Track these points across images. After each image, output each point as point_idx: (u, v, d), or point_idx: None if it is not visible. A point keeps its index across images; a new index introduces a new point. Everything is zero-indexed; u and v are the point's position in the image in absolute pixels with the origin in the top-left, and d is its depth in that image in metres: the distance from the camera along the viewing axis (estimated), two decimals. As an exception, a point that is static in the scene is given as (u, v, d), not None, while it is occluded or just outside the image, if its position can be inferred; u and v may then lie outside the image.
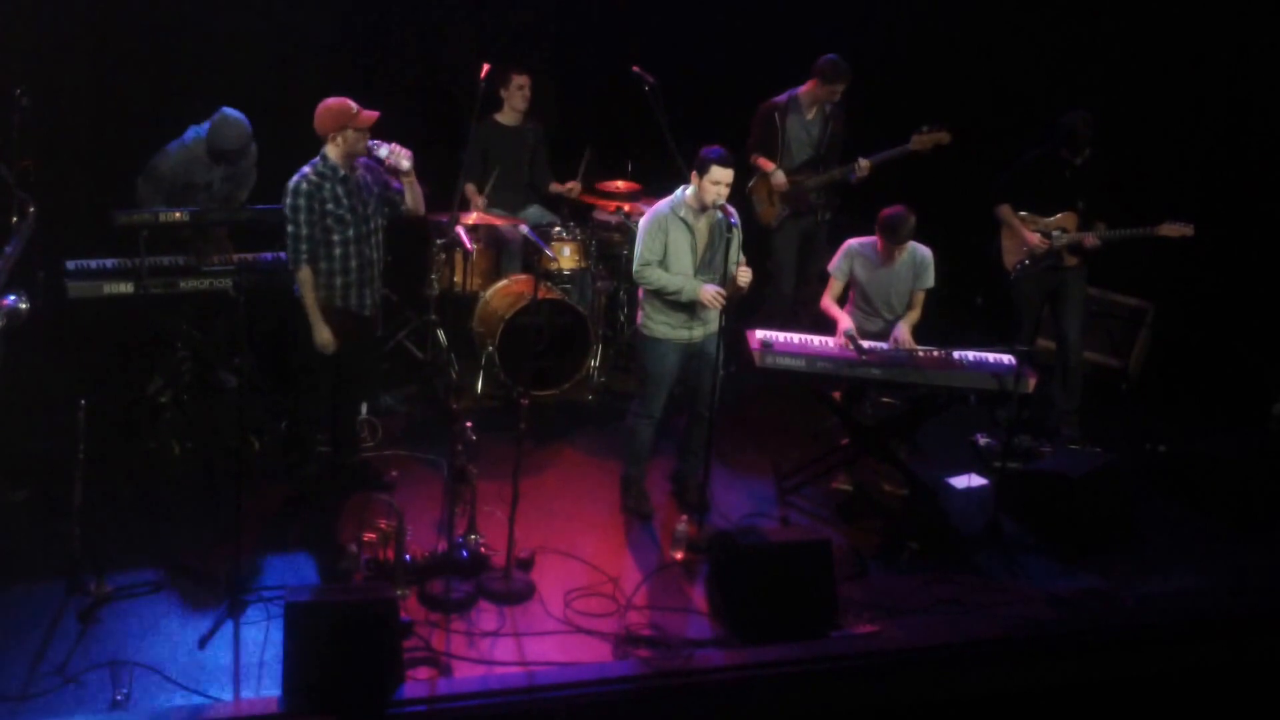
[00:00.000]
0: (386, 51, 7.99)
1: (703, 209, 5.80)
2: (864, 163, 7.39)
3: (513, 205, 7.73)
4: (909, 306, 6.50)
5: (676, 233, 5.81)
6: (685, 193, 5.84)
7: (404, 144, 5.74)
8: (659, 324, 5.92)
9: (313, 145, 5.69)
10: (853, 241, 6.58)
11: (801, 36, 8.34)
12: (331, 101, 5.61)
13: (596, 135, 8.03)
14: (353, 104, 5.59)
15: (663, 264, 5.83)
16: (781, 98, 7.58)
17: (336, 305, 5.74)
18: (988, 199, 7.21)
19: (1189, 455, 6.86)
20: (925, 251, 6.49)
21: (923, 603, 5.56)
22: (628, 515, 6.13)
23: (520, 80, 7.56)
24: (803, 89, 7.53)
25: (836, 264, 6.59)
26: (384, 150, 5.66)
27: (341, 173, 5.63)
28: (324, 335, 5.70)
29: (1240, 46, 7.86)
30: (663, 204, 5.88)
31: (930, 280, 6.48)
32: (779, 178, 7.55)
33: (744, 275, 5.82)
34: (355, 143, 5.60)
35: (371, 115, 5.61)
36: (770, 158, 7.58)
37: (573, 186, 7.79)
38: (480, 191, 7.52)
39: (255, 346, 6.28)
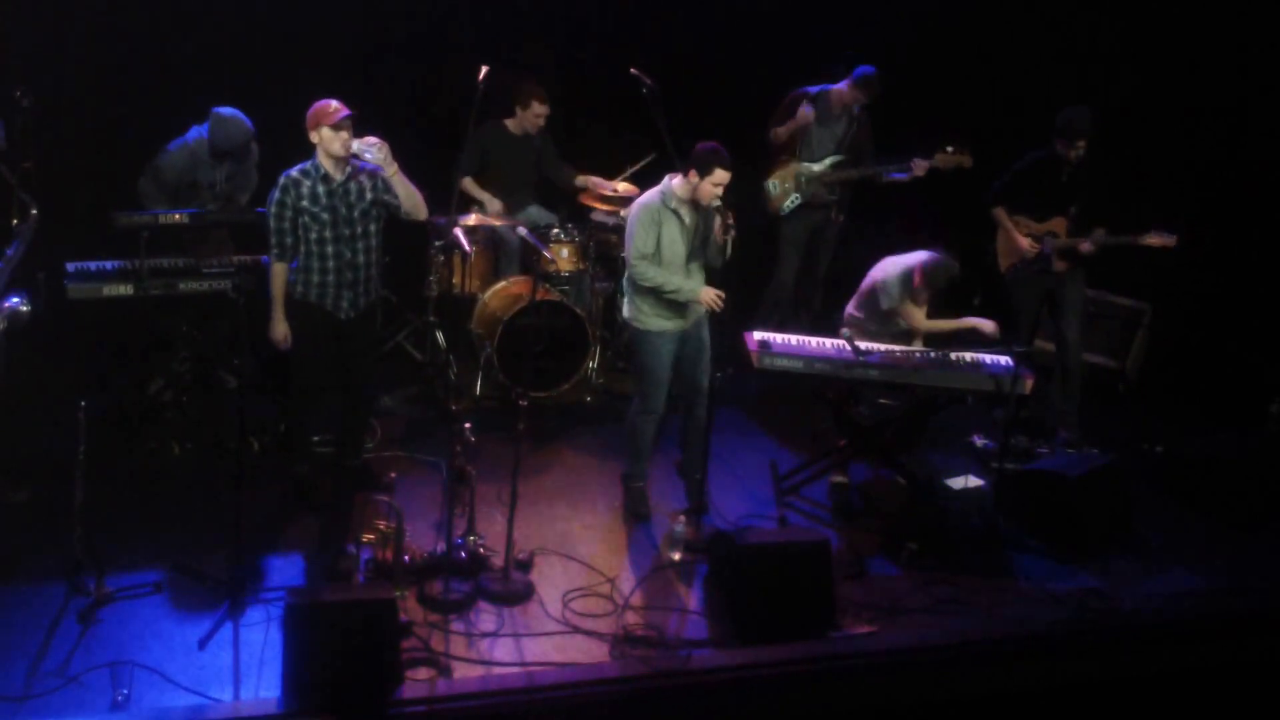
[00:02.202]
0: (387, 52, 8.00)
1: (689, 200, 5.82)
2: (921, 163, 7.39)
3: (511, 207, 7.74)
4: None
5: (669, 224, 5.84)
6: (673, 183, 5.85)
7: (402, 147, 5.74)
8: (651, 317, 5.94)
9: (312, 146, 5.69)
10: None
11: (801, 36, 8.36)
12: (317, 102, 5.62)
13: (596, 136, 8.04)
14: (333, 103, 5.58)
15: (656, 255, 5.84)
16: (813, 89, 7.61)
17: (311, 301, 5.75)
18: (985, 200, 7.22)
19: (1187, 455, 6.87)
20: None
21: (921, 603, 5.57)
22: (626, 515, 6.14)
23: (541, 109, 7.51)
24: (834, 88, 7.57)
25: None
26: (355, 145, 5.60)
27: (324, 172, 5.64)
28: (278, 330, 5.74)
29: (1237, 48, 7.86)
30: (652, 195, 5.89)
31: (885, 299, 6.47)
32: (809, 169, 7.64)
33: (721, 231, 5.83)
34: (330, 142, 5.57)
35: (341, 114, 5.55)
36: (793, 148, 7.62)
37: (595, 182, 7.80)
38: (477, 186, 7.53)
39: (255, 348, 6.29)
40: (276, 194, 5.65)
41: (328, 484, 6.05)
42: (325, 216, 5.66)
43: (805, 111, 7.54)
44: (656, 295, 5.87)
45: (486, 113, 7.35)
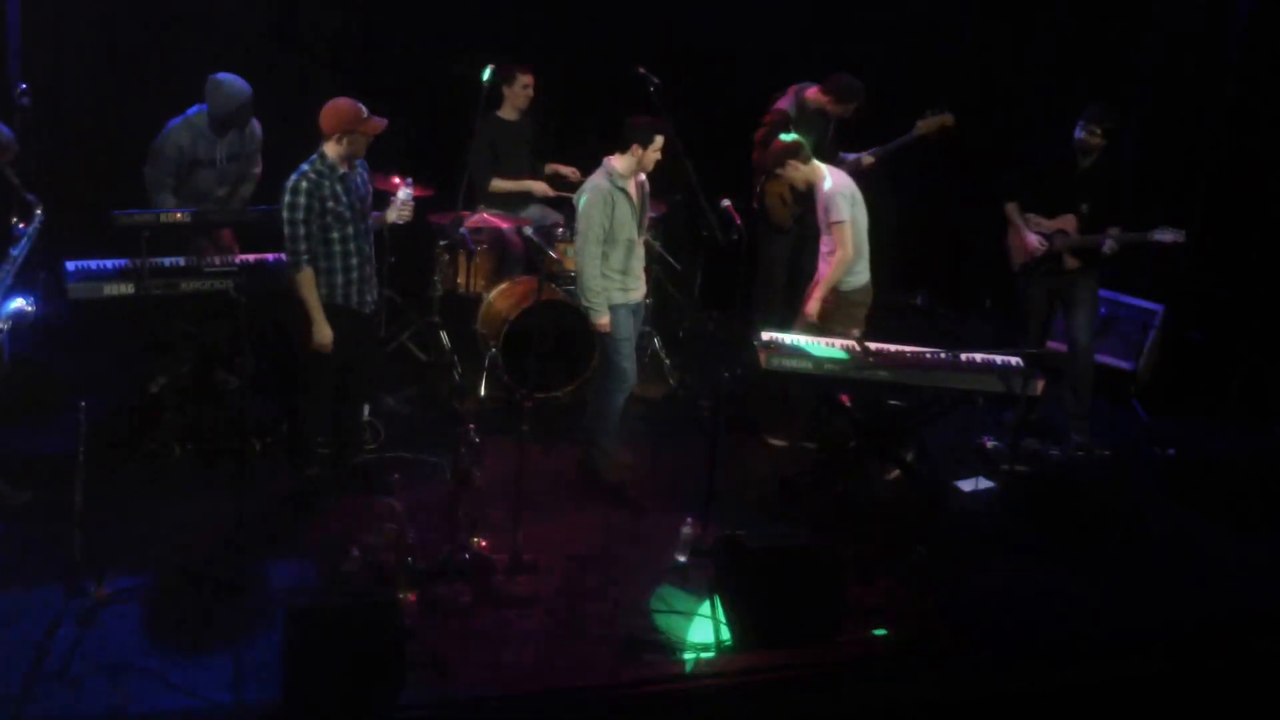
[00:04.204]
0: (388, 50, 7.98)
1: (633, 175, 6.03)
2: (867, 158, 7.42)
3: (515, 204, 7.70)
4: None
5: (621, 204, 6.01)
6: (614, 163, 6.01)
7: (404, 145, 5.75)
8: (614, 291, 6.10)
9: (313, 143, 5.67)
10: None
11: (802, 34, 8.32)
12: (341, 102, 5.63)
13: (600, 135, 8.00)
14: (363, 108, 5.61)
15: (610, 235, 6.00)
16: (784, 102, 7.51)
17: (338, 303, 5.76)
18: (997, 196, 7.18)
19: (1198, 458, 6.84)
20: (829, 184, 6.43)
21: (929, 606, 5.52)
22: (611, 488, 6.21)
23: (525, 79, 7.54)
24: (810, 94, 7.47)
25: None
26: (404, 193, 5.83)
27: (340, 171, 5.65)
28: (325, 334, 5.71)
29: (1247, 46, 7.80)
30: (600, 180, 6.02)
31: (834, 214, 6.39)
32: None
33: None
34: (358, 145, 5.63)
35: (379, 123, 5.64)
36: None
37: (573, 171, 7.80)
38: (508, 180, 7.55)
39: (256, 348, 6.26)
40: (301, 199, 5.57)
41: (331, 485, 6.01)
42: (348, 214, 5.69)
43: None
44: (608, 269, 6.03)
45: (489, 110, 7.33)
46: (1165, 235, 6.74)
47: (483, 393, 7.09)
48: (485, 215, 7.38)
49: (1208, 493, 6.64)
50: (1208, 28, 7.88)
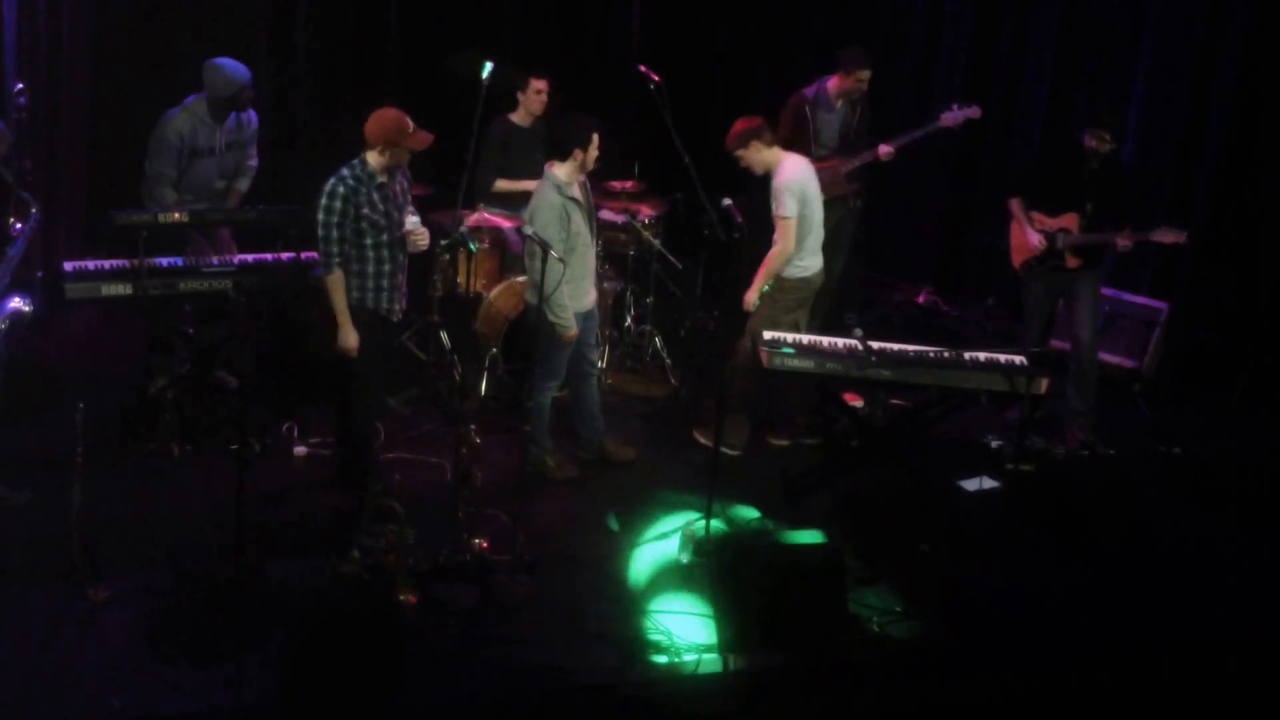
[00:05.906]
0: (386, 48, 7.98)
1: (575, 179, 6.01)
2: (884, 149, 7.37)
3: (516, 203, 7.68)
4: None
5: (574, 212, 5.99)
6: (556, 172, 5.98)
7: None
8: (566, 297, 6.05)
9: (313, 143, 5.66)
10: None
11: (807, 31, 8.31)
12: (389, 113, 5.66)
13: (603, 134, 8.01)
14: (409, 122, 5.64)
15: (569, 245, 5.96)
16: (810, 90, 7.52)
17: (368, 306, 5.79)
18: (1001, 192, 7.15)
19: (1203, 458, 6.81)
20: (782, 177, 6.33)
21: (932, 605, 5.49)
22: (563, 482, 6.26)
23: (539, 84, 7.51)
24: (830, 81, 7.48)
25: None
26: (414, 220, 5.77)
27: (379, 179, 5.69)
28: (350, 339, 5.75)
29: (1251, 41, 7.77)
30: (549, 195, 5.96)
31: (779, 209, 6.31)
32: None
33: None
34: (400, 158, 5.69)
35: (425, 138, 5.68)
36: (804, 151, 7.51)
37: None
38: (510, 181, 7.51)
39: (255, 348, 6.24)
40: (337, 203, 5.61)
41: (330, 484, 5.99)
42: (382, 222, 5.71)
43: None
44: (569, 282, 5.96)
45: (492, 111, 7.31)
46: (1166, 236, 6.72)
47: (483, 393, 7.06)
48: (485, 214, 7.36)
49: (1213, 492, 6.63)
50: (1208, 24, 7.85)
